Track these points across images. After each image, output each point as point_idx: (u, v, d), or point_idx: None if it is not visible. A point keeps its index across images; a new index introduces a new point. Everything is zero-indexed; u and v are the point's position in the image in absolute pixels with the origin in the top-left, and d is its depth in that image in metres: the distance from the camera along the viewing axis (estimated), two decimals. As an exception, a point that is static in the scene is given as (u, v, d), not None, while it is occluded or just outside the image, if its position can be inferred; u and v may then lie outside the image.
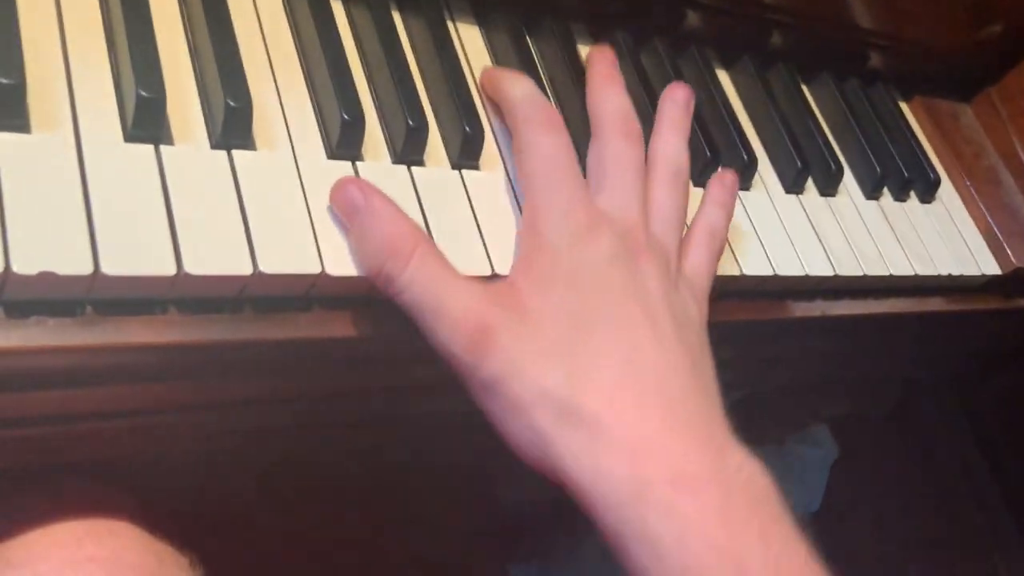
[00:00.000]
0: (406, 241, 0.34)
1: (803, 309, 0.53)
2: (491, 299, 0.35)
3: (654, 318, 0.36)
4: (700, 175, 0.49)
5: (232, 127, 0.35)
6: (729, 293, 0.48)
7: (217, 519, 0.47)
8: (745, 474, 0.34)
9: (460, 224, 0.39)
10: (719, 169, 0.47)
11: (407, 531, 0.86)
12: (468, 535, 1.01)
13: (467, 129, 0.40)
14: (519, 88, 0.41)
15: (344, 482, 0.69)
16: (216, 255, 0.32)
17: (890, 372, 0.81)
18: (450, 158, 0.41)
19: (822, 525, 1.16)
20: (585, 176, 0.40)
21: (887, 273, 0.54)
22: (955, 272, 0.58)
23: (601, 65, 0.44)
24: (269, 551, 0.57)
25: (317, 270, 0.34)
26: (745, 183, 0.51)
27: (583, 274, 0.36)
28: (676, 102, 0.44)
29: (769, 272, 0.48)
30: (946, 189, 0.62)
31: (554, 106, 0.41)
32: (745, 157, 0.50)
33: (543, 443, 0.33)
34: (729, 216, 0.44)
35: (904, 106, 0.65)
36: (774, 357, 0.61)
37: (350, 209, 0.35)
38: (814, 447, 1.10)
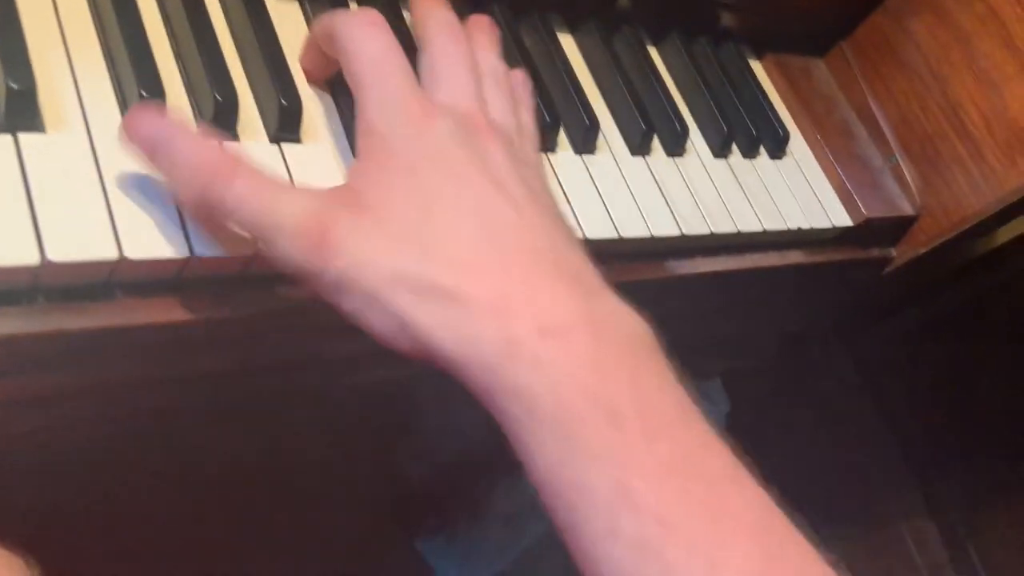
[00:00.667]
0: (224, 160, 0.33)
1: (656, 270, 0.54)
2: (329, 200, 0.34)
3: (504, 184, 0.36)
4: (540, 140, 0.49)
5: (16, 110, 0.33)
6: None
7: (56, 518, 0.46)
8: (616, 318, 0.34)
9: (280, 200, 0.38)
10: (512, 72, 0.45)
11: (305, 513, 0.85)
12: (372, 512, 1.01)
13: (283, 101, 0.39)
14: (339, 13, 0.40)
15: (225, 467, 0.68)
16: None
17: (766, 326, 0.83)
18: (268, 132, 0.40)
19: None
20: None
21: (735, 230, 0.54)
22: (805, 225, 0.59)
23: None
24: (135, 545, 0.56)
25: (115, 255, 0.33)
26: (589, 146, 0.51)
27: (423, 157, 0.35)
28: (481, 27, 0.44)
29: (613, 235, 0.49)
30: (797, 144, 0.64)
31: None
32: (587, 121, 0.50)
33: (407, 326, 0.33)
34: (532, 111, 0.44)
35: (757, 64, 0.66)
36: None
37: (149, 143, 0.34)
38: (706, 402, 1.12)
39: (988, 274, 1.25)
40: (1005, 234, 1.29)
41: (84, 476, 0.45)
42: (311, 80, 0.43)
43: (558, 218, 0.37)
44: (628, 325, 0.34)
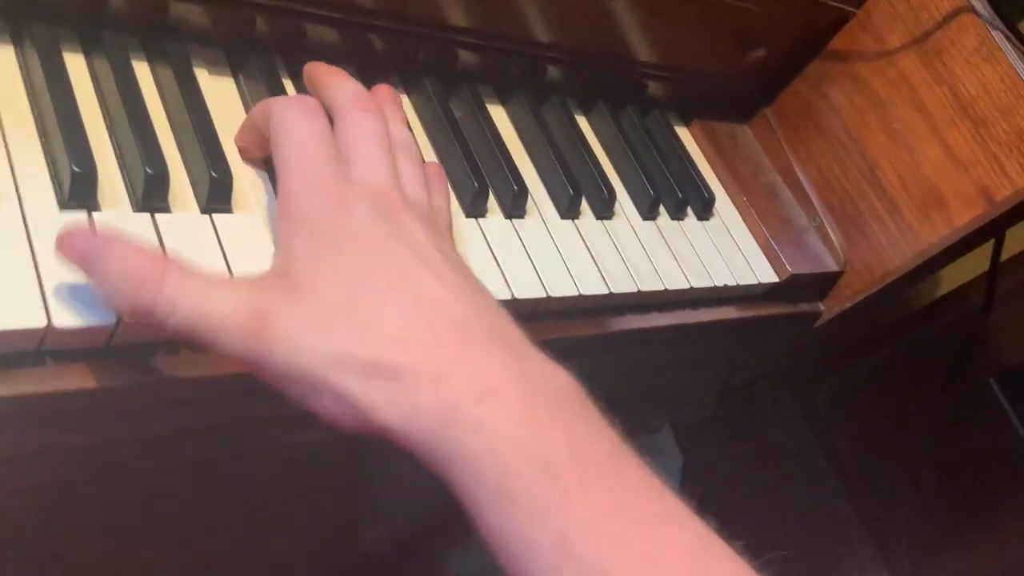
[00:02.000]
0: (151, 267, 0.34)
1: (590, 326, 0.56)
2: (260, 287, 0.35)
3: (426, 258, 0.37)
4: (471, 206, 0.51)
5: (-52, 185, 0.34)
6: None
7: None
8: (547, 375, 0.35)
9: (209, 267, 0.40)
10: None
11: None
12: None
13: (213, 173, 0.41)
14: (279, 97, 0.42)
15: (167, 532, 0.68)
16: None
17: (705, 379, 0.85)
18: (199, 203, 0.41)
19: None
20: None
21: (662, 288, 0.57)
22: (731, 282, 0.61)
23: (318, 65, 0.45)
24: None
25: (43, 324, 0.34)
26: (518, 211, 0.53)
27: (346, 236, 0.36)
28: (386, 99, 0.45)
29: (542, 295, 0.50)
30: (724, 206, 0.66)
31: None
32: (515, 187, 0.53)
33: (353, 406, 0.34)
34: (446, 196, 0.46)
35: (684, 130, 0.69)
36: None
37: (82, 258, 0.34)
38: (660, 456, 1.14)
39: (931, 323, 1.29)
40: (946, 285, 1.34)
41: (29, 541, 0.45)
42: (245, 157, 0.45)
43: (479, 286, 0.39)
44: (557, 380, 0.36)
